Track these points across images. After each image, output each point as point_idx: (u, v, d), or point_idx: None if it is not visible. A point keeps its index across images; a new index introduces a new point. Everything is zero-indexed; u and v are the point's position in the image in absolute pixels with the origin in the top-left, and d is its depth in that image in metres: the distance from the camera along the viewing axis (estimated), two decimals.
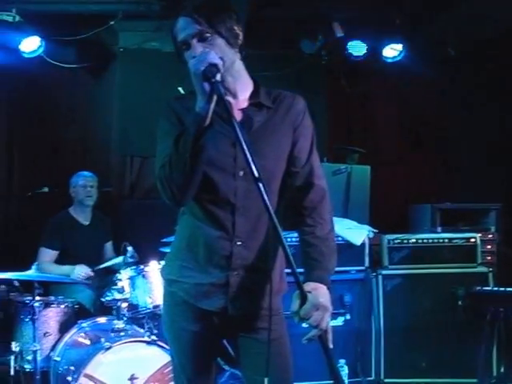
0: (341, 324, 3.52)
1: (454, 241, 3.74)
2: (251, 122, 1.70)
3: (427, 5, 4.38)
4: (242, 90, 1.74)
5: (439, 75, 4.79)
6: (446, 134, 5.15)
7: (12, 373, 3.04)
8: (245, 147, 1.48)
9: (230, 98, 1.68)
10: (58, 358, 3.02)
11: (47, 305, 3.20)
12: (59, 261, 3.83)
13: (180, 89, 3.17)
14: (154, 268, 3.21)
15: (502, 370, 3.45)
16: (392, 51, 4.78)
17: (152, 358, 2.89)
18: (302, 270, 1.64)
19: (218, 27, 1.63)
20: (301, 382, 3.11)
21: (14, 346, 3.08)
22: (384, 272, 3.69)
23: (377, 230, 3.80)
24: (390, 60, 4.81)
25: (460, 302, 3.54)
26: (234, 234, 1.69)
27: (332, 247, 1.74)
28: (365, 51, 4.72)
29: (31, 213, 4.61)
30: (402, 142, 5.20)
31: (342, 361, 3.40)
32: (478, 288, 3.48)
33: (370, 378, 3.59)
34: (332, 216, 1.79)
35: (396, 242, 3.75)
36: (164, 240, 3.55)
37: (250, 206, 1.68)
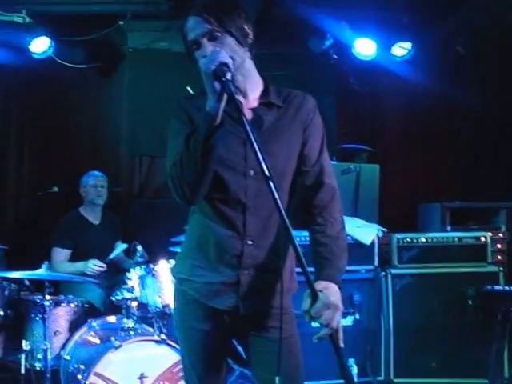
0: (350, 323, 3.52)
1: (464, 240, 3.72)
2: (261, 121, 1.71)
3: (436, 3, 4.36)
4: (252, 89, 1.75)
5: (449, 74, 4.76)
6: (456, 133, 5.12)
7: (23, 371, 3.05)
8: (256, 146, 1.48)
9: (240, 98, 1.68)
10: (68, 357, 3.03)
11: (57, 304, 3.21)
12: (70, 260, 3.87)
13: (189, 88, 3.18)
14: (163, 267, 3.21)
15: None
16: (401, 50, 4.76)
17: (161, 356, 2.90)
18: (312, 270, 1.64)
19: (228, 26, 1.64)
20: (312, 381, 3.11)
21: (25, 345, 3.09)
22: (393, 271, 3.68)
23: (386, 229, 3.79)
24: (398, 59, 4.79)
25: (470, 302, 3.52)
26: (244, 233, 1.69)
27: (343, 246, 1.73)
28: (373, 50, 4.71)
29: (41, 212, 4.64)
30: (410, 141, 5.17)
31: (352, 360, 3.39)
32: (489, 287, 3.46)
33: (379, 378, 3.58)
34: (342, 215, 1.78)
35: (405, 241, 3.74)
36: (173, 239, 3.57)
37: (261, 205, 1.68)
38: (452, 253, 3.70)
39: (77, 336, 3.11)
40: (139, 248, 3.39)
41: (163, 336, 2.93)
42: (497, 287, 3.50)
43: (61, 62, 4.53)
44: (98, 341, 3.05)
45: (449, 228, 4.29)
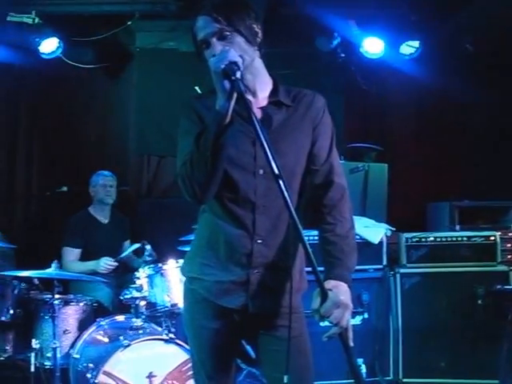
0: (359, 323, 3.51)
1: (473, 239, 3.70)
2: (271, 120, 1.71)
3: (444, 1, 4.34)
4: (262, 88, 1.75)
5: (457, 72, 4.73)
6: (465, 131, 5.09)
7: (32, 369, 3.08)
8: (265, 145, 1.48)
9: (249, 97, 1.69)
10: (78, 356, 3.05)
11: (67, 303, 3.23)
12: (80, 259, 3.89)
13: (197, 88, 3.18)
14: (172, 266, 3.22)
15: None
16: (409, 48, 4.73)
17: (170, 355, 2.91)
18: (321, 269, 1.64)
19: (238, 25, 1.64)
20: (320, 382, 3.10)
21: (35, 343, 3.12)
22: (402, 270, 3.66)
23: (394, 229, 3.77)
24: (406, 57, 4.77)
25: (480, 302, 3.50)
26: (254, 232, 1.69)
27: (352, 245, 1.73)
28: (381, 49, 4.69)
29: (50, 212, 4.67)
30: (419, 140, 5.15)
31: (360, 360, 3.38)
32: (499, 287, 3.44)
33: (388, 378, 3.57)
34: (352, 214, 1.78)
35: (414, 240, 3.72)
36: (181, 238, 3.57)
37: (270, 204, 1.68)
38: (461, 252, 3.68)
39: (86, 335, 3.13)
40: (148, 247, 3.41)
41: (172, 335, 2.94)
42: (507, 287, 3.48)
43: (69, 63, 4.55)
44: (106, 340, 3.06)
45: (458, 227, 4.26)
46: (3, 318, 3.19)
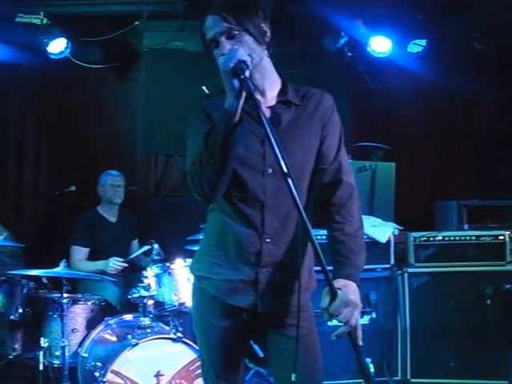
0: (366, 322, 3.50)
1: (482, 238, 3.67)
2: (279, 119, 1.71)
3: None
4: (270, 87, 1.75)
5: (465, 70, 4.71)
6: (473, 130, 5.06)
7: (41, 368, 3.09)
8: (274, 144, 1.48)
9: (258, 96, 1.68)
10: (86, 354, 3.06)
11: (75, 301, 3.24)
12: (88, 259, 3.90)
13: (204, 88, 3.19)
14: (179, 266, 3.23)
15: None
16: (416, 47, 4.72)
17: (178, 355, 2.91)
18: (330, 268, 1.63)
19: (246, 25, 1.64)
20: (328, 381, 3.10)
21: (43, 342, 3.13)
22: (410, 270, 3.65)
23: (402, 228, 3.76)
24: (414, 56, 4.75)
25: (489, 301, 3.48)
26: (263, 231, 1.69)
27: (361, 244, 1.73)
28: (389, 47, 4.68)
29: (59, 211, 4.69)
30: (426, 139, 5.13)
31: (368, 360, 3.37)
32: (508, 286, 3.42)
33: (396, 378, 3.56)
34: (361, 213, 1.78)
35: (422, 239, 3.70)
36: (189, 238, 3.58)
37: (279, 203, 1.69)
38: (469, 251, 3.66)
39: (94, 334, 3.14)
40: (156, 246, 3.41)
41: (179, 334, 2.95)
42: None
43: (77, 63, 4.57)
44: (114, 339, 3.07)
45: (466, 226, 4.24)
46: (12, 317, 3.21)
